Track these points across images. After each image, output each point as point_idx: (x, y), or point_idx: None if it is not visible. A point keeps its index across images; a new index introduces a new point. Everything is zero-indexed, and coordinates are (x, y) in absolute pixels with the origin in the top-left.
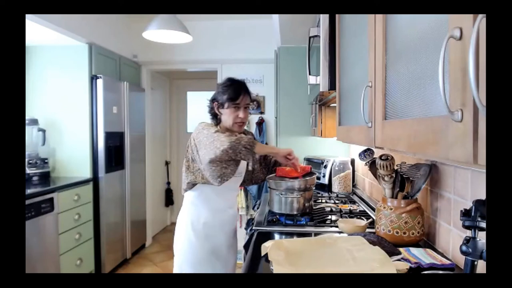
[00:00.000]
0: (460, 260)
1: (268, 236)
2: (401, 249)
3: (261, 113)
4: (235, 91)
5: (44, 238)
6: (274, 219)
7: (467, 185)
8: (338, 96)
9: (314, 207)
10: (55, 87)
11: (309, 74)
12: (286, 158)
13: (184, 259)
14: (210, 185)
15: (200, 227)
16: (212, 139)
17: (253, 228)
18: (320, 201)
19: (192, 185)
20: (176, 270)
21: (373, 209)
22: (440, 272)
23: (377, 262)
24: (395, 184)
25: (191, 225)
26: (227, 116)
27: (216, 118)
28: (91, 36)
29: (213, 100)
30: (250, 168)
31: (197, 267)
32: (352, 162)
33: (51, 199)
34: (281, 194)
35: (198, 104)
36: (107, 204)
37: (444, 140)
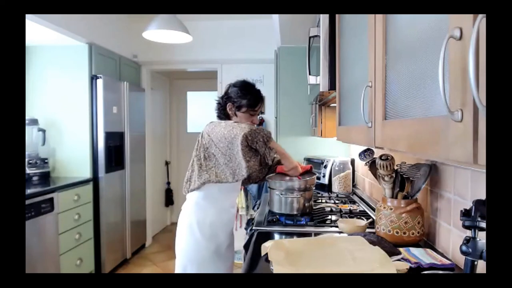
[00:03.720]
0: (460, 260)
1: (268, 236)
2: (401, 249)
3: (261, 113)
4: (256, 98)
5: (44, 238)
6: (274, 219)
7: (467, 185)
8: (338, 96)
9: (314, 207)
10: (55, 87)
11: (309, 74)
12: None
13: (188, 259)
14: (217, 184)
15: (207, 227)
16: (232, 127)
17: (253, 228)
18: (320, 201)
19: (202, 185)
20: (179, 270)
21: (373, 209)
22: (440, 272)
23: (377, 262)
24: (395, 184)
25: (196, 225)
26: (242, 119)
27: (227, 118)
28: (91, 36)
29: (226, 100)
30: (269, 163)
31: (201, 267)
32: (352, 162)
33: (51, 199)
34: (281, 194)
35: (198, 104)
36: (107, 204)
37: (444, 140)
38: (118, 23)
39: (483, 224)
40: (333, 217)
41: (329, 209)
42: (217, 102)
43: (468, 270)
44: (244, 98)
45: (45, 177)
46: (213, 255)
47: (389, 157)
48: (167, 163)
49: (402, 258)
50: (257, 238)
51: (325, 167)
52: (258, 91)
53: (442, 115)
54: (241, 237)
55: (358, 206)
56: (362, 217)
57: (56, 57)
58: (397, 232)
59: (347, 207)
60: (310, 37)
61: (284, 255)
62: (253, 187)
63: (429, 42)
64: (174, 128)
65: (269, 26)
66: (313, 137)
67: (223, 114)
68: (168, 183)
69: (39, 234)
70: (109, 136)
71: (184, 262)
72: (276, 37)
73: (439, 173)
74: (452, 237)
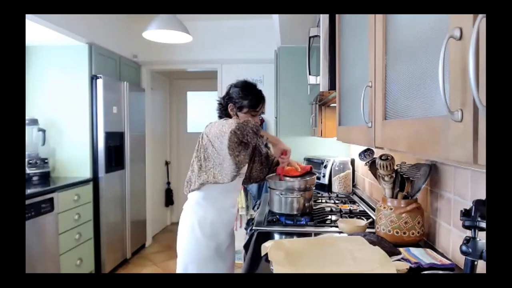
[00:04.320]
0: (460, 260)
1: (268, 236)
2: (401, 249)
3: (262, 113)
4: (257, 99)
5: (44, 238)
6: (274, 219)
7: (467, 185)
8: (338, 96)
9: (314, 207)
10: (55, 87)
11: (309, 74)
12: (281, 154)
13: (189, 259)
14: (217, 185)
15: (207, 226)
16: (221, 126)
17: (253, 228)
18: (320, 201)
19: (201, 185)
20: (180, 269)
21: (373, 209)
22: (440, 272)
23: (377, 262)
24: (395, 184)
25: (197, 224)
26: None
27: (228, 118)
28: (91, 36)
29: (228, 100)
30: (262, 151)
31: (202, 266)
32: (352, 162)
33: (51, 199)
34: (281, 194)
35: (198, 104)
36: (107, 204)
37: (444, 140)
38: (118, 23)
39: (483, 224)
40: (333, 217)
41: (329, 209)
42: (218, 102)
43: (468, 270)
44: (245, 98)
45: (45, 177)
46: (214, 254)
47: (389, 157)
48: (167, 163)
49: (402, 258)
50: (257, 238)
51: (325, 167)
52: (260, 92)
53: (442, 115)
54: (241, 237)
55: (358, 206)
56: (362, 217)
57: (56, 57)
58: (397, 232)
59: (347, 207)
60: (310, 37)
61: (284, 255)
62: (253, 187)
63: (429, 42)
64: (174, 128)
65: (269, 26)
66: (313, 137)
67: (224, 114)
68: (168, 183)
69: (39, 234)
70: (109, 136)
71: (185, 261)
72: (276, 37)
73: (439, 173)
74: (452, 237)
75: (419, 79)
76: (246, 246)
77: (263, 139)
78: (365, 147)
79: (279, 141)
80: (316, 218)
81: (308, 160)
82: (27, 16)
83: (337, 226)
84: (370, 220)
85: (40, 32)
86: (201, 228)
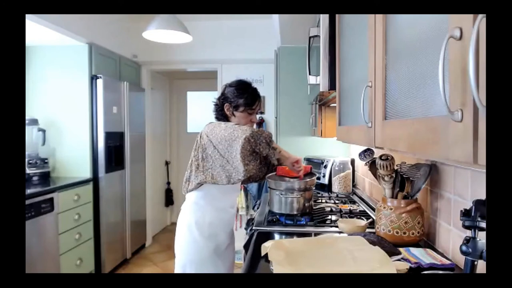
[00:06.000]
0: (460, 260)
1: (268, 236)
2: (401, 249)
3: (261, 113)
4: (253, 97)
5: (44, 238)
6: (274, 219)
7: (467, 185)
8: (338, 96)
9: (314, 207)
10: (55, 87)
11: (309, 74)
12: (293, 164)
13: (187, 259)
14: (216, 185)
15: (205, 227)
16: (232, 130)
17: (253, 228)
18: (320, 201)
19: (199, 185)
20: (179, 270)
21: (373, 209)
22: (440, 272)
23: (377, 262)
24: (395, 184)
25: (195, 224)
26: (240, 119)
27: (225, 118)
28: (91, 36)
29: (223, 100)
30: (275, 163)
31: (201, 266)
32: (352, 162)
33: (51, 199)
34: (281, 194)
35: (198, 104)
36: (107, 204)
37: (444, 140)
38: (118, 23)
39: (483, 224)
40: (333, 217)
41: (329, 209)
42: (214, 103)
43: (468, 270)
44: (241, 97)
45: (45, 177)
46: (213, 255)
47: (389, 157)
48: (167, 163)
49: (402, 258)
50: (257, 238)
51: (325, 167)
52: (255, 90)
53: (442, 115)
54: (241, 237)
55: (358, 206)
56: (362, 217)
57: (56, 57)
58: (397, 232)
59: (347, 207)
60: (310, 37)
61: (284, 255)
62: (253, 187)
63: (429, 42)
64: (174, 128)
65: (269, 26)
66: (313, 137)
67: (221, 115)
68: (168, 183)
69: (39, 234)
70: (109, 136)
71: (183, 262)
72: (276, 37)
73: (439, 173)
74: (452, 237)
75: (419, 79)
76: (246, 246)
77: (275, 151)
78: (365, 147)
79: (289, 154)
80: (316, 218)
81: (308, 160)
82: (27, 16)
83: (337, 226)
84: (370, 220)
85: (40, 32)
86: (199, 229)
